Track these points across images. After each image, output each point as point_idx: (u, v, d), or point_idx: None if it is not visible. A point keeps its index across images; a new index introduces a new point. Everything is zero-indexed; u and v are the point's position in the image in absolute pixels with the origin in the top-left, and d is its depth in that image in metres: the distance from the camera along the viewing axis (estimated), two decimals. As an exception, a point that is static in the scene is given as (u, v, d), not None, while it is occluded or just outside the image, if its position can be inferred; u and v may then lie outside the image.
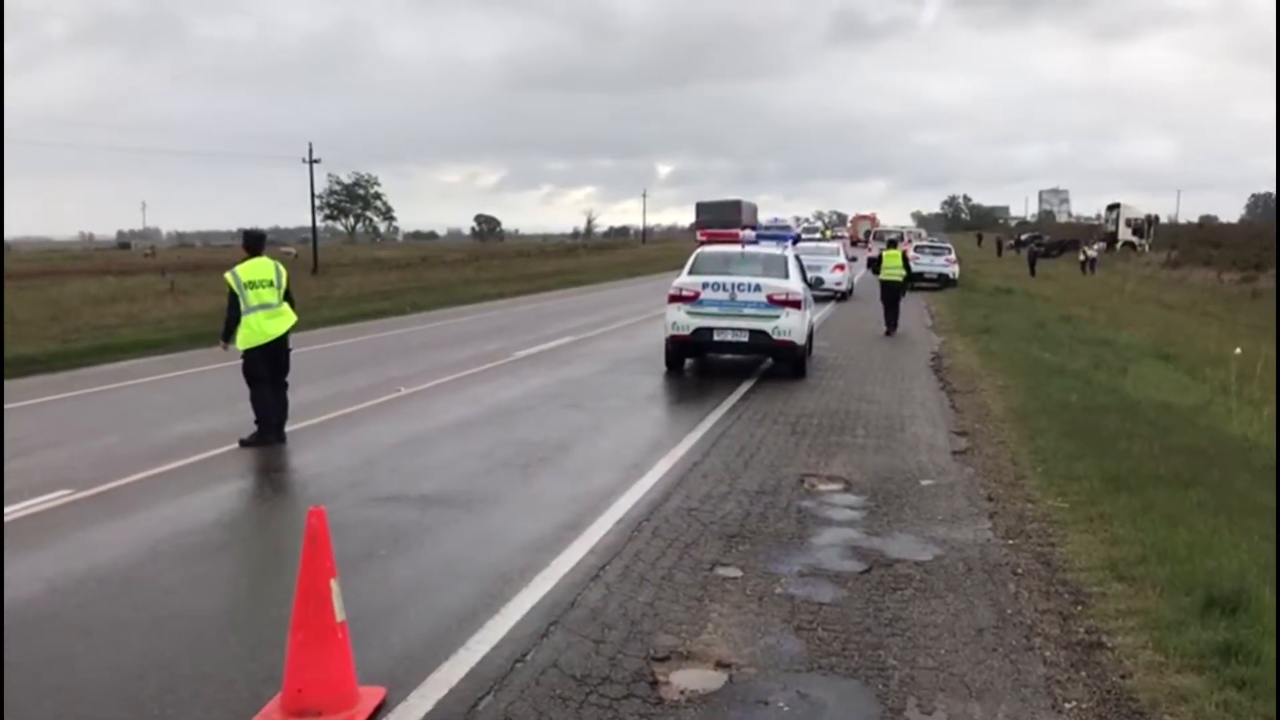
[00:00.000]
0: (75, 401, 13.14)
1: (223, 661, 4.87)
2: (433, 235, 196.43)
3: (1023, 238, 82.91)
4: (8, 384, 14.73)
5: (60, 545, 6.77)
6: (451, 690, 4.54)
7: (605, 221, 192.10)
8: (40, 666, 4.84)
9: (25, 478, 8.50)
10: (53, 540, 6.86)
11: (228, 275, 9.68)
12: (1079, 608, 5.69)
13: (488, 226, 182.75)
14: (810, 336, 15.36)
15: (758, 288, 13.82)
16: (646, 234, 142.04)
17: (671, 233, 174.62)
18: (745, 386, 13.51)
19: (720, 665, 4.87)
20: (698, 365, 15.42)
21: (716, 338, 13.96)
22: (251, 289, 9.71)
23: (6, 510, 7.47)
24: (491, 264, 61.08)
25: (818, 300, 20.10)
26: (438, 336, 20.99)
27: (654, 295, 29.54)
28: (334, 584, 4.25)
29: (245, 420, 9.97)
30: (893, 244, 23.30)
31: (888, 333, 20.83)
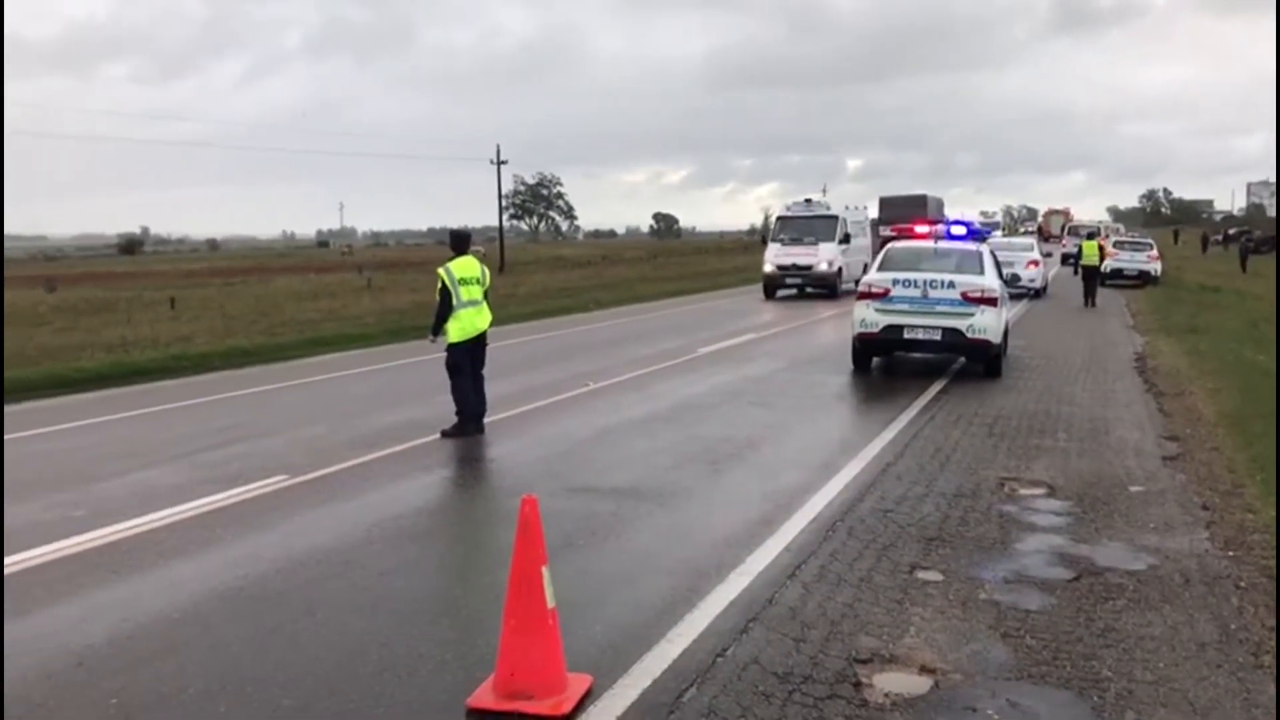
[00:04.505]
0: (286, 392, 13.92)
1: (436, 642, 5.07)
2: (612, 234, 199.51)
3: (1231, 232, 78.01)
4: (223, 374, 15.76)
5: (283, 527, 7.20)
6: (655, 681, 4.60)
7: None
8: (270, 642, 5.15)
9: (247, 462, 9.07)
10: (276, 522, 7.30)
11: (440, 271, 10.06)
12: (1313, 626, 5.32)
13: (665, 224, 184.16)
14: (1005, 335, 14.86)
15: (952, 284, 13.46)
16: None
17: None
18: (936, 387, 13.18)
19: (925, 670, 4.78)
20: (886, 364, 15.14)
21: (907, 335, 13.67)
22: (463, 285, 10.07)
23: (234, 491, 8.00)
24: (669, 261, 61.60)
25: (1011, 298, 19.43)
26: (620, 333, 21.29)
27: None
28: (545, 571, 4.36)
29: (444, 412, 10.35)
30: (1090, 236, 28.66)
31: (1086, 304, 26.34)
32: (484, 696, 4.37)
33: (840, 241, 30.49)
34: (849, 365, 14.58)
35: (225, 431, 10.66)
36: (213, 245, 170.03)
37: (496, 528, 7.22)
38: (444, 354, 10.32)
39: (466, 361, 10.19)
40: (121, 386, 14.59)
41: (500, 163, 64.06)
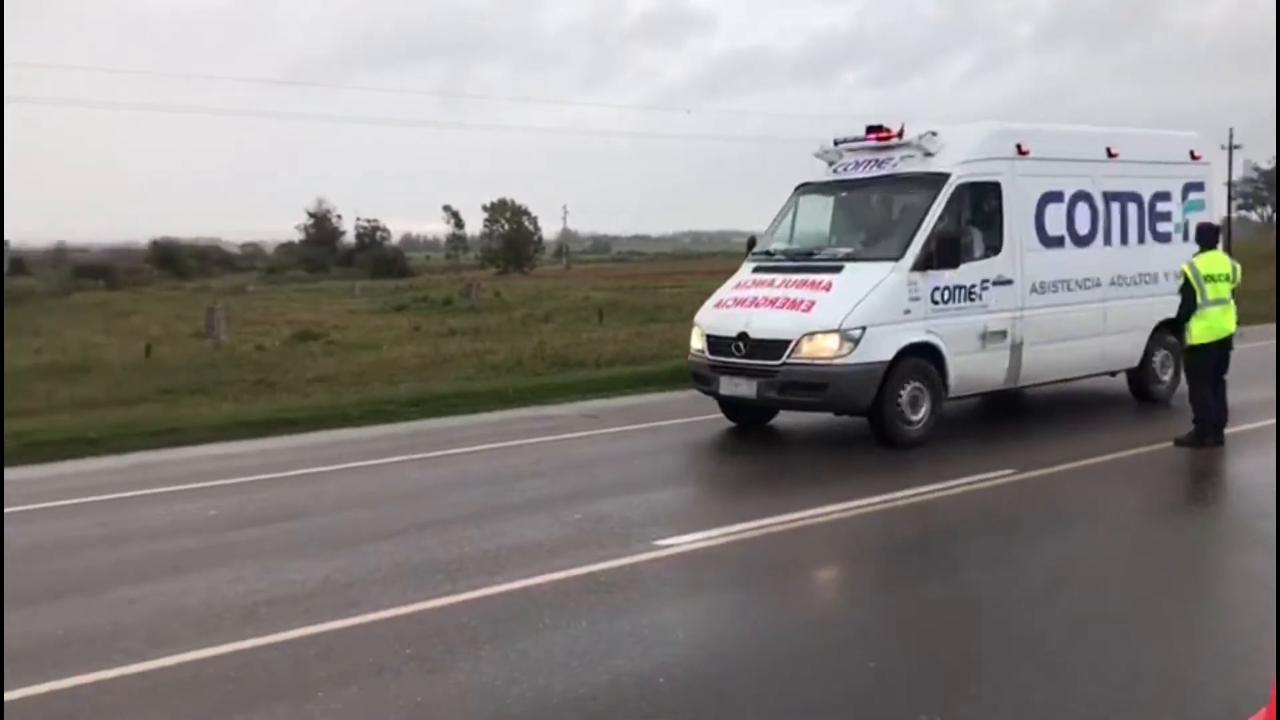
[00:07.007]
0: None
1: (1190, 663, 4.77)
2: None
3: None
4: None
5: (993, 518, 7.41)
6: None
7: None
8: (990, 645, 5.23)
9: (976, 460, 9.10)
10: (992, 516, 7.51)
11: (1184, 267, 9.42)
12: None
13: None
14: None
15: None
16: None
17: None
18: None
19: None
20: None
21: None
22: (1209, 282, 9.34)
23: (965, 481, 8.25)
24: None
25: None
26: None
27: None
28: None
29: (1179, 419, 9.74)
30: None
31: None
32: (1257, 731, 4.02)
33: (936, 257, 9.67)
34: None
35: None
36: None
37: (1240, 550, 6.64)
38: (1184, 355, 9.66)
39: (1209, 365, 9.41)
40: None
41: (1233, 148, 57.84)
